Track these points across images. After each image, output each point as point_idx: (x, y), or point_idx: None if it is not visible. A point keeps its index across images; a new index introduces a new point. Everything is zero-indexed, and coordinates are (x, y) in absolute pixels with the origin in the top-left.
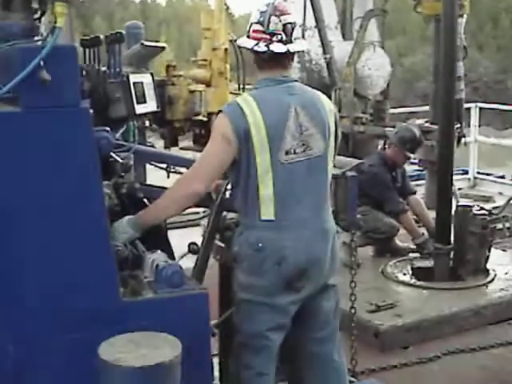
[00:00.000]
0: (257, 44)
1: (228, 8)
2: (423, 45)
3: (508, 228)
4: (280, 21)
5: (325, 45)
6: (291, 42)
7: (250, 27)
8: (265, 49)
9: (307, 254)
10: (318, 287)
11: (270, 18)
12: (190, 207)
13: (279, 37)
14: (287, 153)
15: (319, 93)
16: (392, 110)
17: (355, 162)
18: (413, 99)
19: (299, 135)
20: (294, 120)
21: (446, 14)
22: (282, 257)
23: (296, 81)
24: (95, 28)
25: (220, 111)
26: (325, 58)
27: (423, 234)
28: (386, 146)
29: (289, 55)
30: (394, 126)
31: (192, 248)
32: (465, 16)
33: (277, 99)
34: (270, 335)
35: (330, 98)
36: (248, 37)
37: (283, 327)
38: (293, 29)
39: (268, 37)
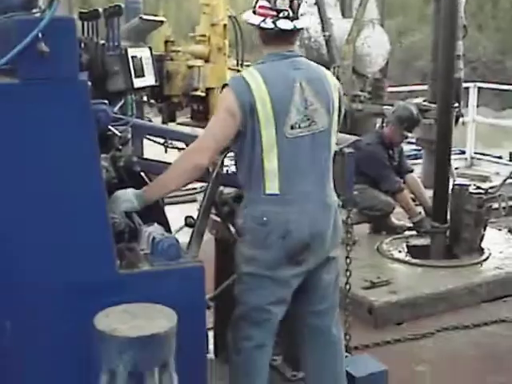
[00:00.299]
0: (263, 20)
1: None
2: (422, 25)
3: (503, 207)
4: None
5: (324, 22)
6: (297, 18)
7: (257, 3)
8: (271, 25)
9: (311, 228)
10: (319, 260)
11: None
12: (193, 180)
13: (286, 13)
14: (292, 127)
15: (323, 68)
16: (390, 89)
17: (353, 138)
18: (411, 78)
19: (304, 110)
20: (299, 94)
21: None
22: (286, 230)
23: (301, 56)
24: (93, 3)
25: (225, 85)
26: (324, 36)
27: (420, 212)
28: (384, 125)
29: (295, 31)
30: (392, 105)
31: (189, 221)
32: None
33: (282, 73)
34: (272, 309)
35: None
36: (254, 12)
37: (284, 301)
38: (299, 5)
39: (275, 13)
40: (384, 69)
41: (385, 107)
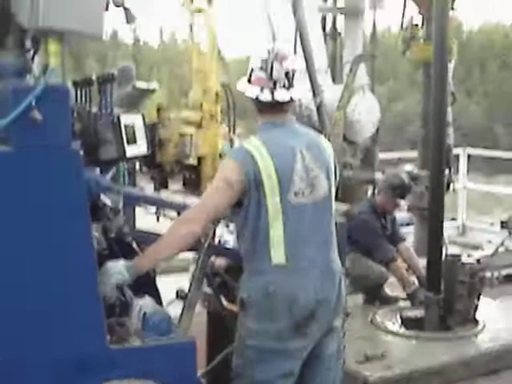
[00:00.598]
0: (261, 91)
1: (220, 51)
2: (412, 90)
3: (496, 277)
4: (282, 67)
5: (315, 88)
6: (293, 86)
7: (252, 73)
8: (269, 97)
9: (316, 295)
10: (324, 329)
11: (272, 65)
12: (186, 249)
13: (282, 83)
14: (296, 194)
15: (319, 135)
16: (381, 156)
17: (345, 207)
18: (402, 144)
19: (306, 177)
20: (300, 162)
21: (437, 59)
22: (293, 300)
23: (297, 123)
24: (87, 69)
25: (220, 155)
26: (315, 102)
27: (414, 282)
28: (376, 193)
29: (291, 100)
30: (383, 172)
31: (180, 294)
32: (453, 61)
33: (283, 142)
34: (280, 382)
35: None
36: (249, 82)
37: (292, 374)
38: (293, 74)
39: (271, 84)
40: (375, 136)
41: (376, 174)
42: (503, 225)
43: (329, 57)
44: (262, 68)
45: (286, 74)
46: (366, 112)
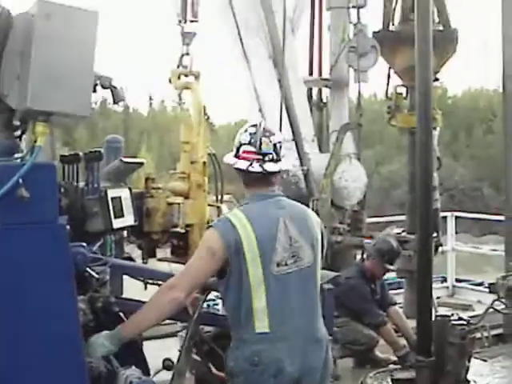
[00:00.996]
0: (250, 165)
1: (208, 118)
2: (399, 154)
3: (486, 337)
4: (270, 141)
5: (302, 157)
6: (280, 160)
7: (240, 147)
8: (259, 169)
9: (302, 364)
10: None
11: (261, 140)
12: (168, 317)
13: (271, 156)
14: (278, 264)
15: (305, 207)
16: (369, 220)
17: (332, 274)
18: (390, 207)
19: (289, 247)
20: (283, 232)
21: (421, 128)
22: (278, 369)
23: (283, 195)
24: (77, 137)
25: (210, 226)
26: (302, 170)
27: (404, 346)
28: (365, 258)
29: (277, 173)
30: (371, 236)
31: (166, 364)
32: (438, 128)
33: (266, 213)
34: None
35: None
36: (237, 157)
37: None
38: (280, 147)
39: (261, 157)
40: (362, 201)
41: (364, 239)
42: (491, 289)
43: (315, 126)
44: (250, 143)
45: (274, 147)
46: (352, 179)
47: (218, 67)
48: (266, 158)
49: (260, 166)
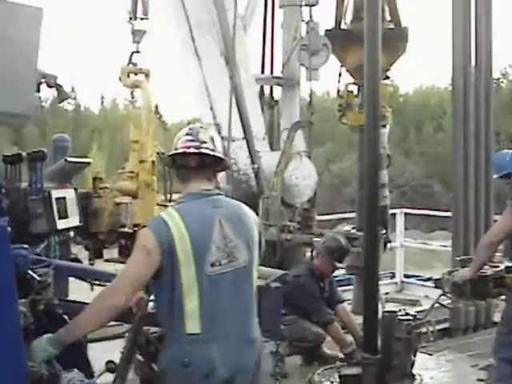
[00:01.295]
0: (188, 148)
1: (161, 116)
2: (350, 151)
3: (432, 332)
4: (207, 134)
5: (253, 155)
6: (215, 151)
7: (178, 141)
8: (196, 150)
9: (233, 365)
10: None
11: (198, 131)
12: (110, 321)
13: (207, 145)
14: (213, 264)
15: (243, 205)
16: (321, 217)
17: (279, 272)
18: (341, 204)
19: (224, 247)
20: (218, 232)
21: (369, 126)
22: (209, 370)
23: (220, 194)
24: (27, 135)
25: (144, 226)
26: (253, 168)
27: (351, 343)
28: (314, 256)
29: (212, 167)
30: (321, 234)
31: (109, 366)
32: (388, 126)
33: (201, 212)
34: None
35: (257, 206)
36: (175, 149)
37: None
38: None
39: (198, 144)
40: (312, 199)
41: (314, 237)
42: (436, 284)
43: (266, 124)
44: (187, 134)
45: (212, 140)
46: (303, 177)
47: (171, 65)
48: (204, 145)
49: (196, 148)
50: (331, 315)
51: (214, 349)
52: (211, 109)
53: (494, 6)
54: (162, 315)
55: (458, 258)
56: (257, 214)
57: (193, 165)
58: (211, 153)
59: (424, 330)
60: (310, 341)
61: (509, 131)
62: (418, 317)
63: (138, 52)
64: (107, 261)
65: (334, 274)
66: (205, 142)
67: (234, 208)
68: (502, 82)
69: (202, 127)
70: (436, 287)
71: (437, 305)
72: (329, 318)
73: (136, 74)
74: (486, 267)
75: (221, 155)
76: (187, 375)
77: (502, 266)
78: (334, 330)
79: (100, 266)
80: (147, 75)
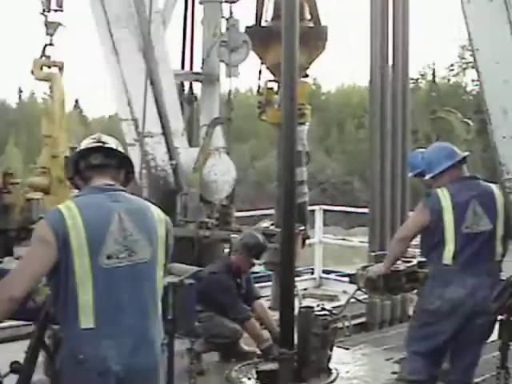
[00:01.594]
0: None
1: (81, 111)
2: (274, 148)
3: (347, 327)
4: (110, 139)
5: (171, 151)
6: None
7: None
8: (98, 144)
9: (130, 364)
10: None
11: (101, 136)
12: (10, 313)
13: (110, 145)
14: (109, 257)
15: (149, 203)
16: (243, 214)
17: (194, 269)
18: (264, 201)
19: (123, 240)
20: (117, 224)
21: (286, 123)
22: (105, 367)
23: (124, 190)
24: None
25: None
26: (171, 165)
27: (268, 339)
28: (231, 252)
29: (117, 168)
30: (239, 230)
31: (14, 367)
32: (307, 124)
33: (99, 204)
34: None
35: (175, 203)
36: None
37: None
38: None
39: (101, 144)
40: (231, 195)
41: (232, 233)
42: (351, 279)
43: (186, 120)
44: (91, 139)
45: (117, 144)
46: (221, 173)
47: (92, 59)
48: (107, 145)
49: (98, 142)
50: (248, 311)
51: (108, 346)
52: (129, 104)
53: (411, 7)
54: (58, 310)
55: (373, 254)
56: (175, 210)
57: (96, 162)
58: (114, 147)
59: (340, 324)
60: (227, 337)
61: (426, 130)
62: (334, 312)
63: (51, 45)
64: (18, 259)
65: (255, 270)
66: (108, 143)
67: (136, 204)
68: (421, 83)
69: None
70: (351, 282)
71: (354, 300)
72: (246, 314)
73: (49, 67)
74: (399, 262)
75: (125, 153)
76: (83, 372)
77: (414, 261)
78: (251, 327)
79: (10, 264)
80: (61, 68)
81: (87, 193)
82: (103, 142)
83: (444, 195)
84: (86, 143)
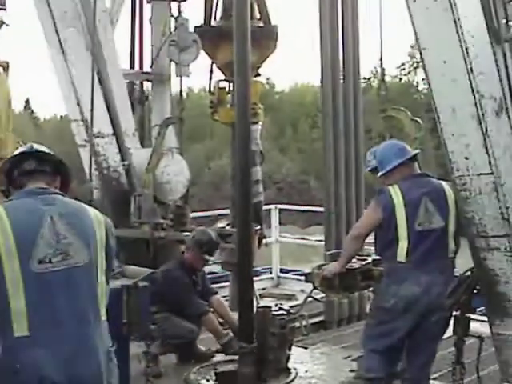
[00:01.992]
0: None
1: (32, 112)
2: (229, 148)
3: (305, 326)
4: (42, 147)
5: (123, 152)
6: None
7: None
8: (30, 150)
9: (69, 374)
10: None
11: (32, 145)
12: None
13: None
14: (41, 261)
15: (86, 206)
16: (195, 214)
17: (147, 271)
18: (220, 201)
19: (56, 243)
20: (49, 228)
21: (239, 122)
22: (41, 377)
23: (61, 194)
24: None
25: None
26: (123, 165)
27: (227, 333)
28: (184, 251)
29: (53, 174)
30: (193, 230)
31: None
32: (260, 123)
33: (30, 208)
34: None
35: (129, 204)
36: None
37: None
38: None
39: (33, 150)
40: (185, 196)
41: (186, 234)
42: (307, 278)
43: (137, 120)
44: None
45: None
46: (174, 173)
47: (43, 59)
48: (40, 151)
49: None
50: (205, 306)
51: (45, 354)
52: (78, 104)
53: (362, 6)
54: None
55: (329, 252)
56: (129, 211)
57: (29, 168)
58: (47, 150)
59: (298, 324)
60: (183, 337)
61: (379, 129)
62: (291, 311)
63: None
64: None
65: (213, 271)
66: (41, 151)
67: (72, 207)
68: (373, 82)
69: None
70: (307, 281)
71: (312, 299)
72: (203, 308)
73: None
74: (354, 260)
75: (60, 159)
76: (17, 383)
77: (369, 259)
78: (210, 321)
79: None
80: (5, 68)
81: (19, 197)
82: (35, 149)
83: (396, 192)
84: (18, 150)
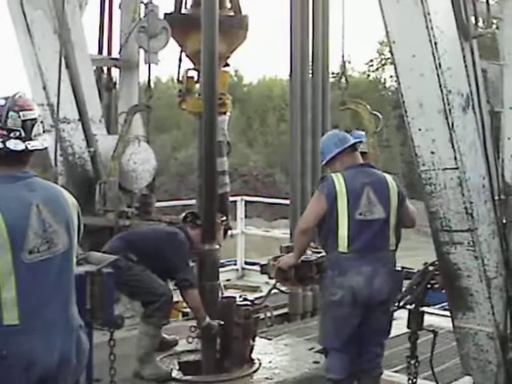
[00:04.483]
0: None
1: None
2: (195, 139)
3: (269, 317)
4: (19, 116)
5: (89, 138)
6: (31, 139)
7: None
8: (0, 145)
9: (57, 356)
10: None
11: (8, 113)
12: None
13: (17, 133)
14: (31, 252)
15: (60, 188)
16: (161, 204)
17: (112, 258)
18: (186, 192)
19: (43, 232)
20: (36, 217)
21: (206, 112)
22: (29, 362)
23: (36, 176)
24: None
25: None
26: (89, 152)
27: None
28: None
29: (28, 152)
30: (160, 220)
31: None
32: (228, 113)
33: (17, 197)
34: None
35: (94, 192)
36: None
37: None
38: (33, 125)
39: (5, 133)
40: (151, 184)
41: (151, 223)
42: (262, 270)
43: (103, 107)
44: None
45: (23, 124)
46: (141, 162)
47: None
48: (12, 135)
49: (2, 142)
50: (196, 280)
51: (34, 340)
52: (44, 88)
53: (333, 2)
54: None
55: (284, 245)
56: (93, 199)
57: (1, 153)
58: (17, 149)
59: (262, 315)
60: (160, 295)
61: (346, 124)
62: (256, 302)
63: None
64: None
65: None
66: (14, 131)
67: (51, 191)
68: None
69: (16, 105)
70: (262, 273)
71: (277, 291)
72: (194, 280)
73: None
74: (309, 253)
75: (34, 146)
76: (6, 368)
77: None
78: (194, 297)
79: None
80: None
81: (2, 183)
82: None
83: (339, 180)
84: None
